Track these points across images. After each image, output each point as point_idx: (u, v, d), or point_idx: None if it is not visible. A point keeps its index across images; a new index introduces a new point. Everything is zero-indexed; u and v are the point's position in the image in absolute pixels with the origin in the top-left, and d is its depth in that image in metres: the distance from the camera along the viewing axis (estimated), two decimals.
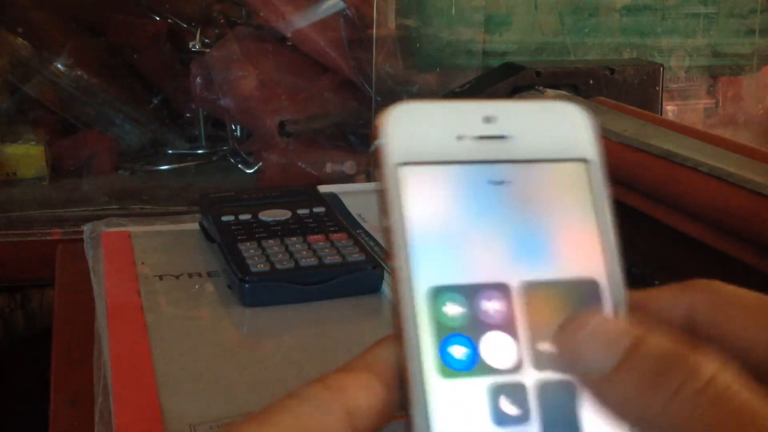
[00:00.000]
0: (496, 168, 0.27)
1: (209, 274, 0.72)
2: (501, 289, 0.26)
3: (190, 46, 1.19)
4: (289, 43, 1.16)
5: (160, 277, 0.71)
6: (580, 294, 0.26)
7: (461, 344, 0.25)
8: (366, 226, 0.81)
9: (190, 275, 0.72)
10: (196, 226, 0.80)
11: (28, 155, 1.10)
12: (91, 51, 1.22)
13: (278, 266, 0.67)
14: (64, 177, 1.13)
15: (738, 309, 0.25)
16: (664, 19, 1.12)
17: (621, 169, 0.71)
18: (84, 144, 1.17)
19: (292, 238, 0.72)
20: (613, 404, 0.23)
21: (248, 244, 0.71)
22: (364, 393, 0.24)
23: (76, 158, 1.15)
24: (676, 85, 1.15)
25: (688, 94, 1.16)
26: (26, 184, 1.09)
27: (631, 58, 1.10)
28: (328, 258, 0.69)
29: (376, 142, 0.26)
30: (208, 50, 1.18)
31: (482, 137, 0.27)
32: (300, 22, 1.11)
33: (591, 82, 0.93)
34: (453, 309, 0.25)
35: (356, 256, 0.70)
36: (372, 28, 1.04)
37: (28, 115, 1.16)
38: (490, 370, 0.25)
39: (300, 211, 0.77)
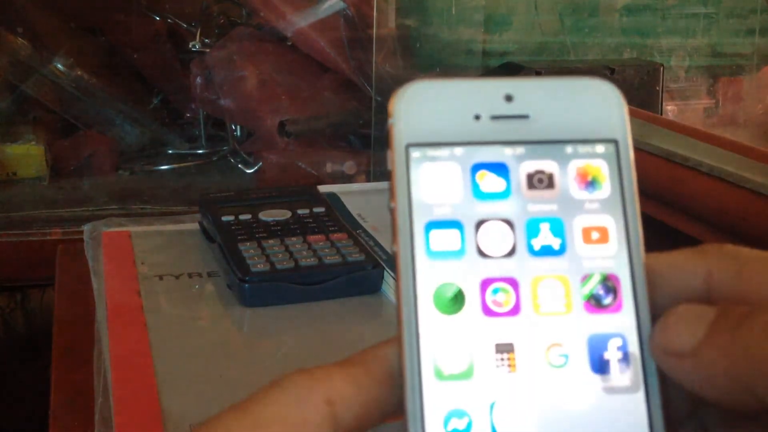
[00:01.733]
0: (515, 150, 0.25)
1: (209, 274, 0.72)
2: (511, 284, 0.25)
3: (190, 46, 1.19)
4: (289, 43, 1.16)
5: (160, 277, 0.71)
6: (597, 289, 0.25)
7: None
8: (366, 226, 0.81)
9: (190, 275, 0.72)
10: (196, 226, 0.80)
11: (28, 155, 1.10)
12: (91, 51, 1.22)
13: (278, 266, 0.67)
14: (64, 177, 1.12)
15: (758, 273, 0.24)
16: (664, 19, 1.12)
17: None
18: (84, 144, 1.17)
19: (292, 238, 0.72)
20: (704, 379, 0.23)
21: (248, 244, 0.71)
22: (349, 385, 0.24)
23: (76, 158, 1.15)
24: (676, 85, 1.15)
25: (688, 94, 1.16)
26: (26, 184, 1.09)
27: (631, 58, 1.10)
28: (328, 258, 0.69)
29: (388, 122, 0.25)
30: (208, 50, 1.18)
31: (501, 116, 0.25)
32: (300, 22, 1.11)
33: None
34: (457, 304, 0.24)
35: (356, 256, 0.70)
36: (372, 28, 1.04)
37: (28, 115, 1.16)
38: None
39: (300, 211, 0.77)
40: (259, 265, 0.67)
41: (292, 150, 1.11)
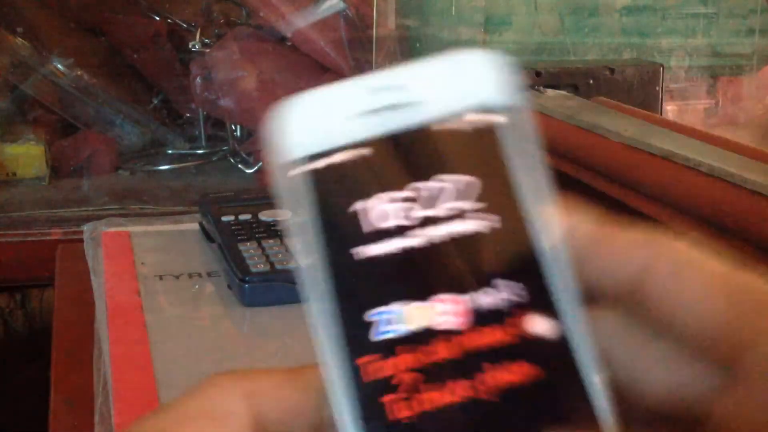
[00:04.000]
0: (400, 138, 0.24)
1: (209, 274, 0.72)
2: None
3: (190, 46, 1.19)
4: (289, 43, 1.16)
5: (160, 277, 0.71)
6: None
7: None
8: None
9: (190, 275, 0.72)
10: (196, 226, 0.80)
11: (28, 155, 1.10)
12: (91, 51, 1.22)
13: (278, 266, 0.67)
14: (64, 177, 1.13)
15: (696, 280, 0.22)
16: (664, 19, 1.12)
17: (621, 169, 0.71)
18: (84, 144, 1.17)
19: None
20: None
21: (248, 244, 0.71)
22: (271, 383, 0.24)
23: (76, 158, 1.15)
24: (676, 85, 1.15)
25: (688, 94, 1.16)
26: (26, 184, 1.09)
27: (631, 58, 1.10)
28: None
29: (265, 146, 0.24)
30: (208, 50, 1.18)
31: (376, 110, 0.24)
32: (300, 22, 1.11)
33: (591, 82, 0.93)
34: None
35: None
36: (372, 28, 1.04)
37: (28, 115, 1.16)
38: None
39: None
40: (259, 265, 0.67)
41: None
